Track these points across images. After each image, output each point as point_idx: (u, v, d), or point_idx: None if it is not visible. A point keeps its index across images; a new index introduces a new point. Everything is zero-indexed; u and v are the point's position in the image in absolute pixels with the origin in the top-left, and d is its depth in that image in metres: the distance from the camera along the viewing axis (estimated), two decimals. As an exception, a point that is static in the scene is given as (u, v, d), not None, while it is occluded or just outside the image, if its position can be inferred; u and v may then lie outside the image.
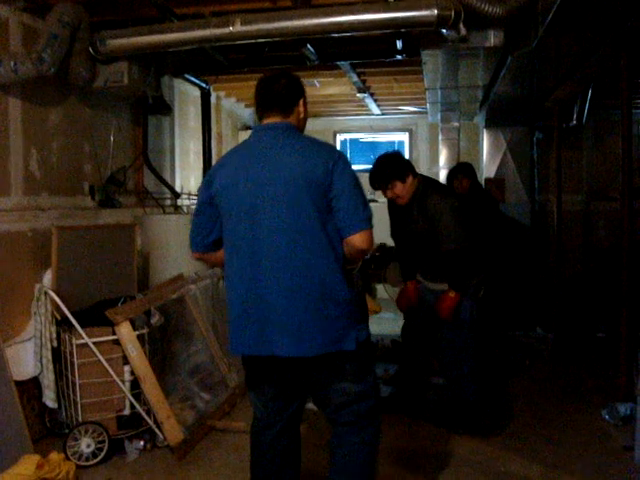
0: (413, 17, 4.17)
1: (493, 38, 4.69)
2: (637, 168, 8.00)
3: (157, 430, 3.84)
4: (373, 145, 11.30)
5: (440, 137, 9.81)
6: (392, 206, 4.40)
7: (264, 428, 2.79)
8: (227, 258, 2.65)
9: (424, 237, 4.20)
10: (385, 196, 4.23)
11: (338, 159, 2.58)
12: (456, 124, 9.53)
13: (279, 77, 2.77)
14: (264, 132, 2.69)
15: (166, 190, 6.55)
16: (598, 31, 4.53)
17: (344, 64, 6.35)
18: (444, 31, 4.32)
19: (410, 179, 4.17)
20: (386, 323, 7.22)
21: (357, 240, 2.55)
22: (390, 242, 6.75)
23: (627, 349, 4.50)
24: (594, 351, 5.89)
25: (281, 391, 2.71)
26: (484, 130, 8.86)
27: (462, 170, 6.04)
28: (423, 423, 4.34)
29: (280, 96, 2.71)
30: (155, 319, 4.12)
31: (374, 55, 5.91)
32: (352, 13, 4.26)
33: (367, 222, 2.56)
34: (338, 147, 11.17)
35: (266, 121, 2.71)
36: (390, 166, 4.17)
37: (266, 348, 2.53)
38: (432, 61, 5.52)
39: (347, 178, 2.55)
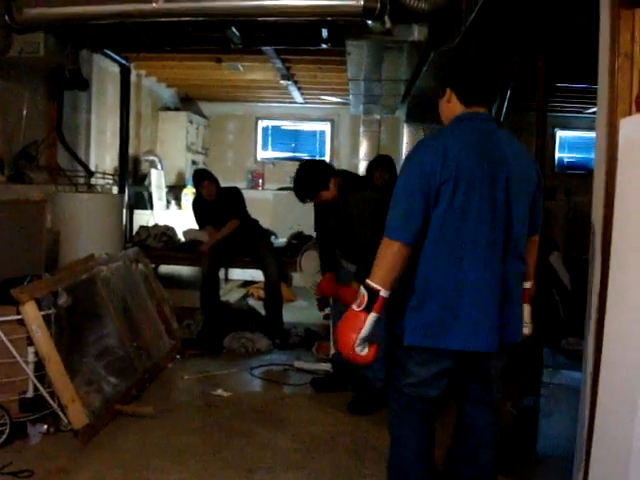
0: (339, 6, 4.18)
1: (417, 33, 4.76)
2: (548, 168, 8.24)
3: (61, 413, 3.73)
4: (295, 133, 11.29)
5: (361, 129, 9.91)
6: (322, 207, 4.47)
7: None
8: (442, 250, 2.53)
9: (345, 231, 4.26)
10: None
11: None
12: (377, 117, 9.64)
13: (490, 67, 2.80)
14: (483, 121, 2.66)
15: (80, 168, 6.37)
16: (518, 33, 4.64)
17: (269, 49, 6.31)
18: (369, 22, 4.36)
19: (332, 183, 4.23)
20: (300, 312, 7.25)
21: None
22: (307, 231, 6.80)
23: (531, 344, 4.64)
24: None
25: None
26: (405, 124, 8.98)
27: (382, 163, 6.09)
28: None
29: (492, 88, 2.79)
30: (62, 300, 3.99)
31: (299, 42, 5.90)
32: (279, -2, 4.23)
33: None
34: (259, 134, 11.12)
35: (478, 110, 2.66)
36: (312, 179, 4.25)
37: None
38: (356, 52, 5.55)
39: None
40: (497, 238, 2.53)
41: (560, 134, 10.77)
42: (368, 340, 2.49)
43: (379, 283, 2.46)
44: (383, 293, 2.46)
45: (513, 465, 3.52)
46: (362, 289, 2.49)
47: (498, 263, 2.54)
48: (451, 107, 2.70)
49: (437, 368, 2.64)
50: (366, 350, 2.50)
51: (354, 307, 2.48)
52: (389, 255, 2.48)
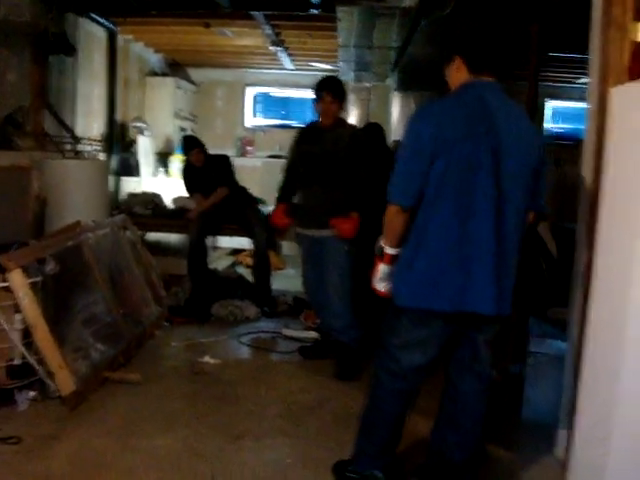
0: (330, -29, 4.12)
1: (409, -1, 4.71)
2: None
3: (48, 380, 3.73)
4: (285, 100, 11.20)
5: (351, 96, 9.82)
6: (308, 134, 4.57)
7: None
8: (448, 214, 2.54)
9: (337, 163, 4.30)
10: (320, 105, 4.36)
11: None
12: (368, 85, 9.57)
13: (500, 35, 2.76)
14: (489, 89, 2.64)
15: (67, 134, 6.30)
16: (511, 1, 4.60)
17: (258, 14, 6.23)
18: (360, -13, 4.30)
19: (342, 106, 4.43)
20: (289, 280, 7.25)
21: None
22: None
23: (517, 313, 4.67)
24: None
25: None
26: (395, 92, 8.92)
27: (369, 130, 6.05)
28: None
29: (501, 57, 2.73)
30: (49, 267, 3.97)
31: (289, 7, 5.84)
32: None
33: None
34: (249, 100, 11.02)
35: (487, 78, 2.64)
36: (343, 88, 4.45)
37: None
38: (347, 18, 5.50)
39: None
40: (490, 209, 2.53)
41: (550, 104, 10.73)
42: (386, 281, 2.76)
43: (385, 242, 2.71)
44: (388, 250, 2.71)
45: (498, 431, 3.56)
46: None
47: (489, 233, 2.54)
48: (459, 75, 2.68)
49: (426, 332, 2.67)
50: (384, 287, 2.77)
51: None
52: (392, 218, 2.64)
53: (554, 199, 7.59)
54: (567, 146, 9.83)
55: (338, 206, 4.32)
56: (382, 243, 2.73)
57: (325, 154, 4.36)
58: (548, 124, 10.84)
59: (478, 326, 2.70)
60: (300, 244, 4.73)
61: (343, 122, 4.55)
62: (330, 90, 4.34)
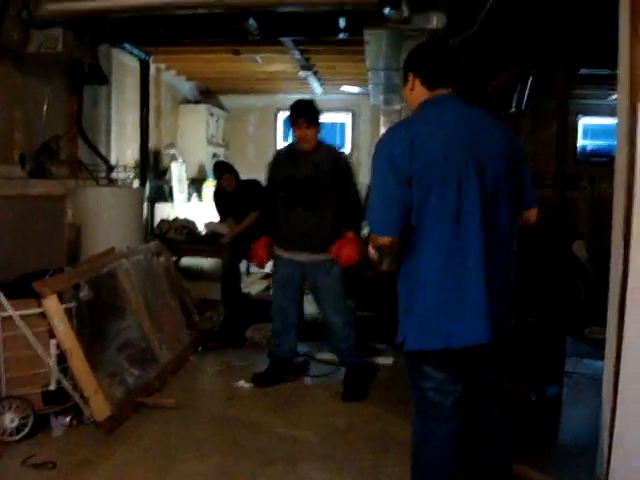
0: (356, -5, 4.16)
1: (436, 20, 4.72)
2: (570, 156, 8.14)
3: (84, 406, 3.76)
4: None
5: (382, 119, 9.83)
6: (287, 158, 4.50)
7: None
8: (433, 239, 2.46)
9: (320, 187, 4.28)
10: (297, 132, 4.31)
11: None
12: (398, 107, 9.55)
13: (452, 49, 2.82)
14: (451, 101, 2.61)
15: (101, 162, 6.40)
16: (537, 19, 4.59)
17: (287, 40, 6.29)
18: (387, 11, 4.32)
19: (319, 130, 4.39)
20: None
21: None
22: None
23: (554, 333, 4.61)
24: (525, 334, 6.00)
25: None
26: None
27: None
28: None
29: (453, 68, 2.68)
30: (84, 293, 4.02)
31: (317, 33, 5.87)
32: (295, -12, 4.22)
33: None
34: (280, 125, 11.09)
35: (443, 92, 2.61)
36: (317, 110, 4.38)
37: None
38: (375, 41, 5.52)
39: None
40: (474, 223, 2.44)
41: (583, 121, 10.62)
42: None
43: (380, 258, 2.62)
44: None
45: (535, 454, 3.49)
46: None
47: (481, 258, 2.45)
48: (416, 93, 2.65)
49: (448, 370, 2.60)
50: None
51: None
52: (381, 247, 2.52)
53: (589, 218, 7.52)
54: (601, 163, 9.76)
55: (326, 228, 4.32)
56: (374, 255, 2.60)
57: (308, 178, 4.32)
58: (581, 141, 10.72)
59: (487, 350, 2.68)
60: (278, 266, 4.60)
61: (322, 145, 4.45)
62: (305, 115, 4.29)
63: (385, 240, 2.47)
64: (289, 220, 4.41)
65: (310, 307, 6.66)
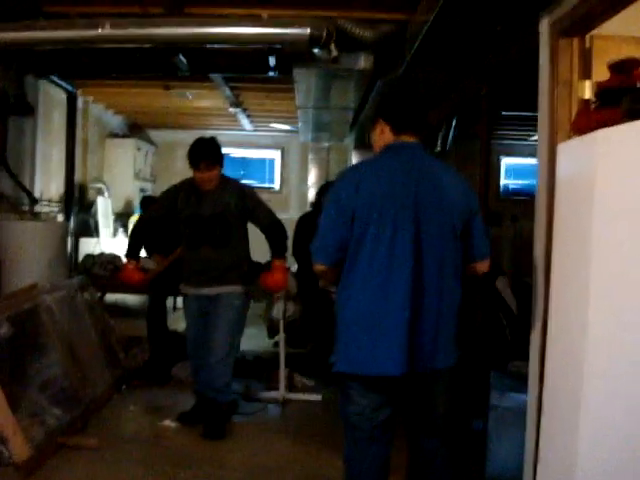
0: (286, 34, 4.22)
1: (364, 61, 4.82)
2: (494, 195, 8.36)
3: (2, 447, 3.61)
4: (244, 161, 11.28)
5: (310, 156, 9.97)
6: (189, 194, 4.37)
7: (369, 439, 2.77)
8: (363, 270, 2.62)
9: (227, 224, 4.28)
10: (198, 175, 4.23)
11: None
12: (326, 144, 9.71)
13: (420, 96, 2.93)
14: (410, 149, 2.75)
15: (24, 195, 6.25)
16: (462, 62, 4.74)
17: (217, 77, 6.32)
18: (316, 51, 4.39)
19: (222, 166, 4.34)
20: (250, 339, 7.17)
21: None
22: (256, 258, 6.76)
23: (478, 368, 4.68)
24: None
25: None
26: (353, 151, 9.04)
27: (328, 189, 6.13)
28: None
29: (422, 117, 2.86)
30: (3, 330, 3.89)
31: (247, 70, 5.92)
32: (225, 25, 4.26)
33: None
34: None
35: (408, 138, 2.75)
36: (218, 148, 4.33)
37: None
38: (304, 80, 5.59)
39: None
40: (407, 266, 2.58)
41: (505, 161, 10.98)
42: None
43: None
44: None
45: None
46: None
47: (407, 292, 2.58)
48: (383, 137, 2.79)
49: (370, 393, 2.71)
50: None
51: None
52: (321, 274, 2.82)
53: (512, 254, 7.71)
54: (523, 201, 10.07)
55: (233, 262, 4.33)
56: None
57: (214, 215, 4.27)
58: (504, 180, 11.06)
59: (425, 382, 2.74)
60: (188, 305, 4.53)
61: (224, 180, 4.38)
62: (206, 158, 4.20)
63: (320, 267, 2.73)
64: (194, 258, 4.37)
65: (247, 343, 6.64)
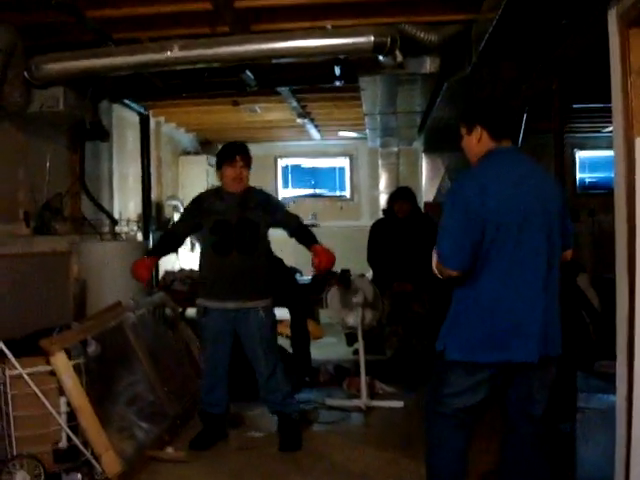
0: (350, 44, 4.24)
1: (429, 65, 4.80)
2: (569, 189, 8.16)
3: (95, 462, 3.73)
4: (314, 170, 11.34)
5: (380, 162, 9.94)
6: (216, 201, 4.36)
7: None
8: (491, 269, 2.74)
9: (255, 229, 4.27)
10: (231, 171, 4.25)
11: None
12: (395, 149, 9.68)
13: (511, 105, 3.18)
14: (513, 154, 2.90)
15: (104, 216, 6.45)
16: (530, 58, 4.66)
17: (284, 90, 6.38)
18: (381, 58, 4.39)
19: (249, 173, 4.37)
20: (329, 348, 7.22)
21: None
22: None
23: (564, 369, 4.58)
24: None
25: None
26: (423, 155, 8.98)
27: (402, 194, 6.12)
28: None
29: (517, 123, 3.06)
30: (92, 348, 4.02)
31: (313, 81, 5.96)
32: (291, 39, 4.30)
33: None
34: (279, 172, 11.17)
35: (507, 143, 2.87)
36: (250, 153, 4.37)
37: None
38: (370, 87, 5.60)
39: None
40: (539, 263, 2.75)
41: (580, 154, 10.70)
42: None
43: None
44: None
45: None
46: None
47: (537, 284, 2.75)
48: (481, 144, 2.87)
49: (474, 380, 2.81)
50: None
51: None
52: (446, 276, 2.78)
53: (592, 250, 7.52)
54: (600, 195, 9.81)
55: (261, 271, 4.29)
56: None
57: (242, 220, 4.23)
58: (579, 174, 10.78)
59: (532, 370, 2.82)
60: (208, 319, 4.32)
61: (250, 187, 4.38)
62: (243, 154, 4.26)
63: (453, 273, 2.75)
64: (221, 267, 4.25)
65: (326, 352, 6.68)
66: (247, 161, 4.28)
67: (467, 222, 2.70)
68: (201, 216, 4.35)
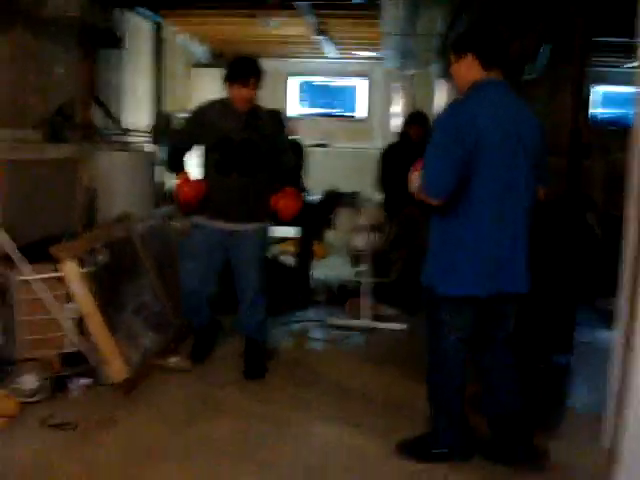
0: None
1: (454, -15, 4.67)
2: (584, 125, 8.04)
3: (102, 368, 3.82)
4: (327, 89, 11.17)
5: (395, 84, 9.78)
6: (221, 116, 4.08)
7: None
8: (480, 204, 2.79)
9: (258, 151, 4.06)
10: (240, 91, 3.96)
11: None
12: (411, 72, 9.49)
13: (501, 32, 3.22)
14: (502, 87, 2.90)
15: (115, 126, 6.40)
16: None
17: (303, 4, 6.24)
18: (404, -24, 4.28)
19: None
20: (333, 268, 7.28)
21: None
22: (340, 188, 6.79)
23: (565, 303, 4.63)
24: (534, 302, 6.01)
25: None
26: (438, 80, 8.82)
27: (416, 119, 6.05)
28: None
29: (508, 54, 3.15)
30: (100, 257, 4.07)
31: (333, -2, 5.83)
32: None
33: None
34: (291, 89, 11.01)
35: (496, 73, 2.87)
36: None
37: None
38: (391, 6, 5.48)
39: None
40: (513, 196, 2.81)
41: (597, 89, 10.49)
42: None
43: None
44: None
45: (546, 421, 3.55)
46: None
47: (510, 219, 2.83)
48: (471, 71, 2.87)
49: (469, 313, 2.95)
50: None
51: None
52: (429, 203, 2.80)
53: (603, 187, 7.47)
54: (616, 132, 9.66)
55: (260, 194, 4.12)
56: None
57: (245, 141, 4.03)
58: (594, 110, 10.58)
59: (505, 303, 2.96)
60: (197, 234, 4.20)
61: (258, 105, 4.14)
62: (255, 75, 3.97)
63: (436, 202, 2.77)
64: (221, 187, 4.08)
65: (331, 272, 6.73)
66: (258, 82, 4.01)
67: (453, 151, 2.71)
68: (201, 131, 4.12)
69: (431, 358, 3.11)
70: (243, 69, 3.99)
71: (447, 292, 2.88)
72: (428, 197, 2.78)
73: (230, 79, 4.00)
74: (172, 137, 4.69)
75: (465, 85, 2.90)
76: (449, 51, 3.00)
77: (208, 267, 4.20)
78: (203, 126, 4.10)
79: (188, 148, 4.24)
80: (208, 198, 4.09)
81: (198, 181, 4.11)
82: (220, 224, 4.11)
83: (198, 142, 4.17)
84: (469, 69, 2.87)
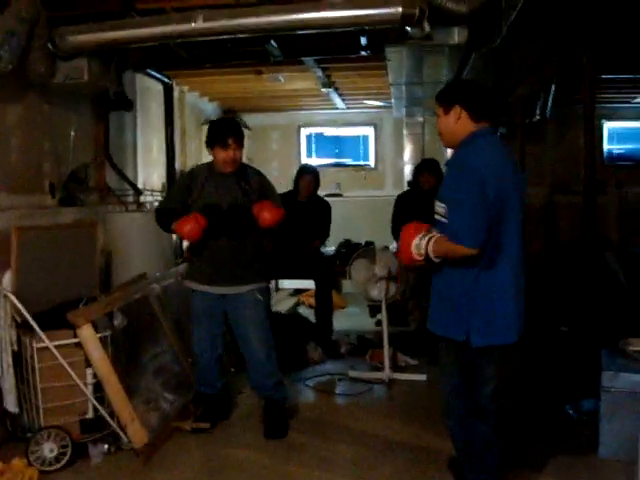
0: (378, 15, 4.16)
1: (457, 35, 4.71)
2: (599, 161, 8.04)
3: (121, 433, 3.79)
4: (338, 139, 11.26)
5: (405, 132, 9.84)
6: (207, 181, 4.11)
7: None
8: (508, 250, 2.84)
9: (247, 214, 3.98)
10: (223, 154, 3.97)
11: None
12: (420, 119, 9.56)
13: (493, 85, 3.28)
14: (496, 137, 3.06)
15: (129, 187, 6.46)
16: (560, 29, 4.57)
17: (308, 60, 6.32)
18: (408, 28, 4.32)
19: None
20: (352, 318, 7.24)
21: None
22: (355, 239, 6.80)
23: (588, 345, 4.55)
24: (557, 345, 5.94)
25: None
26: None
27: (427, 166, 6.07)
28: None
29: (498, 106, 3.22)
30: (118, 320, 4.06)
31: (338, 51, 5.89)
32: (316, 10, 4.23)
33: None
34: (302, 141, 11.11)
35: (485, 125, 2.92)
36: (243, 132, 4.22)
37: None
38: (396, 57, 5.53)
39: None
40: (520, 244, 2.91)
41: (607, 125, 10.50)
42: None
43: (436, 253, 2.86)
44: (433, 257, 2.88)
45: (574, 469, 3.47)
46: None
47: (520, 263, 2.92)
48: (461, 124, 2.90)
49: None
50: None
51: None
52: (459, 255, 2.76)
53: (617, 223, 7.42)
54: (627, 167, 9.65)
55: (252, 257, 4.10)
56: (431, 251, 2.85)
57: (234, 206, 4.03)
58: (607, 145, 10.59)
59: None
60: (195, 300, 4.24)
61: (243, 166, 4.16)
62: (235, 135, 3.98)
63: (471, 252, 2.73)
64: (210, 251, 4.07)
65: (349, 323, 6.70)
66: (240, 142, 4.01)
67: (481, 199, 2.70)
68: (190, 196, 4.11)
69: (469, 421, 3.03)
70: (219, 131, 4.03)
71: (491, 342, 2.88)
72: (463, 249, 2.72)
73: (208, 144, 4.07)
74: (161, 203, 4.68)
75: (454, 137, 2.94)
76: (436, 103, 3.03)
77: (210, 331, 4.23)
78: (190, 192, 4.12)
79: (177, 214, 4.11)
80: (197, 263, 4.15)
81: (195, 215, 3.97)
82: (213, 288, 4.12)
83: (186, 208, 4.11)
84: (458, 120, 2.90)
